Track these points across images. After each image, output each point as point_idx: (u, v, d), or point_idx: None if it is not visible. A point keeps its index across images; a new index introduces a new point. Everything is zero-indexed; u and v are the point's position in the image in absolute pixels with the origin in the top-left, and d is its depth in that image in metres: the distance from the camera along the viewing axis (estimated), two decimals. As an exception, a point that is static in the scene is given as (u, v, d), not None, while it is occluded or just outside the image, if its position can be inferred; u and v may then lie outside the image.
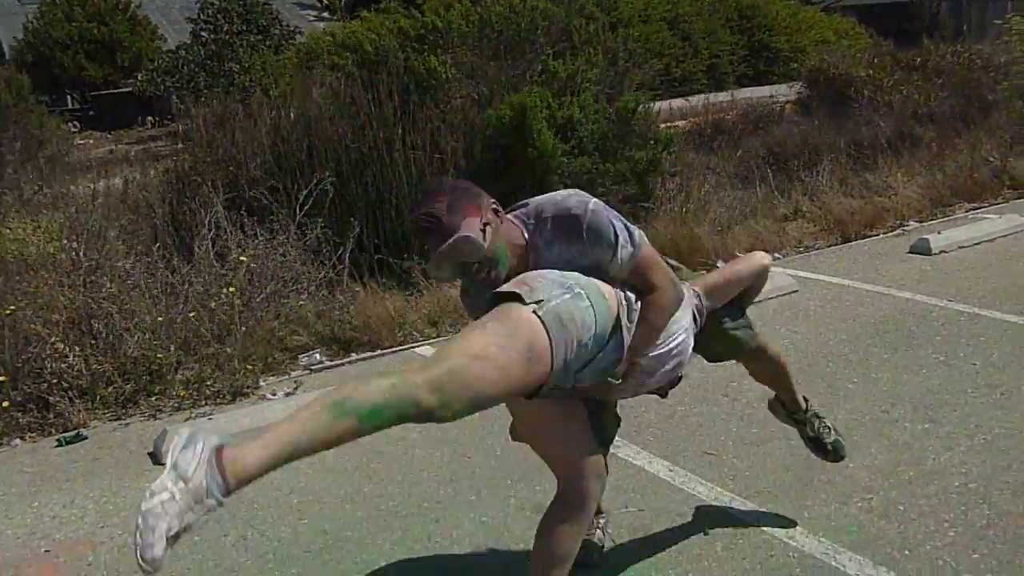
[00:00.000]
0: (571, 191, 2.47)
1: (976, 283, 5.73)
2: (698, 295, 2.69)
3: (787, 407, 3.12)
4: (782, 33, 22.15)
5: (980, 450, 3.56)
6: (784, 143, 11.66)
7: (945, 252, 6.47)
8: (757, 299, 3.00)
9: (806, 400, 3.12)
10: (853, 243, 7.12)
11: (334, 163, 6.93)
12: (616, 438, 2.84)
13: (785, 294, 5.71)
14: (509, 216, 2.45)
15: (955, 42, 16.21)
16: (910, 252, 6.58)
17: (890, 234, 7.43)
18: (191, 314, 4.96)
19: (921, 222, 7.86)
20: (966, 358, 4.47)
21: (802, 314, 5.41)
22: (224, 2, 21.17)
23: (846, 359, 4.62)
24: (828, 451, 3.13)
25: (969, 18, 27.34)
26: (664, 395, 2.75)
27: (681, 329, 2.54)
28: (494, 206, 2.41)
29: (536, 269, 2.34)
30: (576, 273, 2.30)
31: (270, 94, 7.89)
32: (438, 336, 5.53)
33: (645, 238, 2.40)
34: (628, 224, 2.38)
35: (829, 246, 7.21)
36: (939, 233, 6.74)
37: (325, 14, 30.75)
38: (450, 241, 2.26)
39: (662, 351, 2.48)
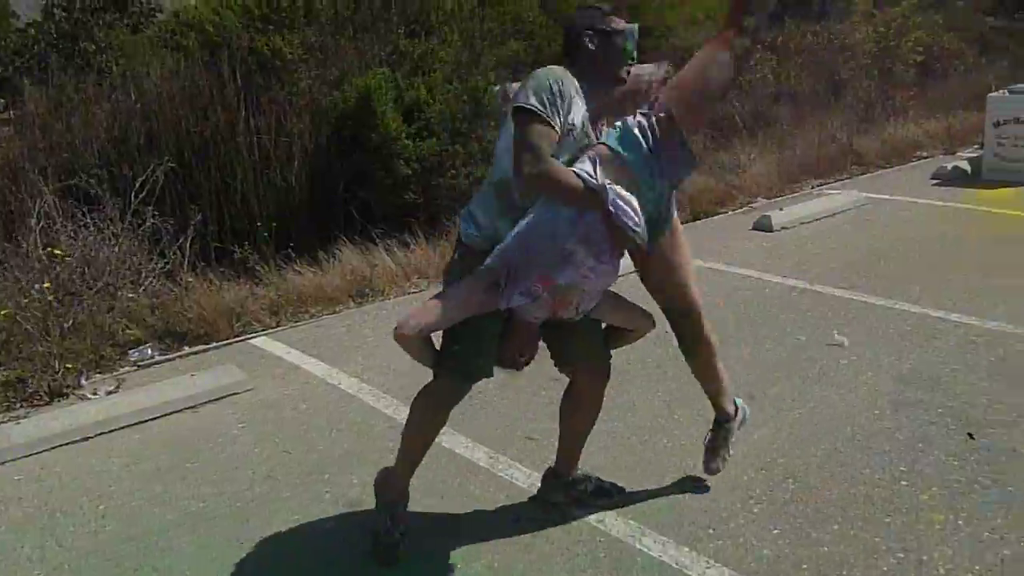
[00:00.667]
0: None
1: (812, 258, 5.90)
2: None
3: (561, 470, 3.22)
4: (650, 12, 22.42)
5: (793, 424, 3.65)
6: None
7: (786, 228, 6.65)
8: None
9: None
10: (700, 221, 7.24)
11: (175, 149, 6.64)
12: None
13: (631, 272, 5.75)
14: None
15: (819, 22, 16.77)
16: (753, 229, 6.73)
17: (739, 211, 7.60)
18: (2, 312, 4.66)
19: (769, 199, 8.07)
20: (792, 333, 4.59)
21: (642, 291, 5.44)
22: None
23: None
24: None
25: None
26: (520, 365, 2.80)
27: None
28: None
29: None
30: None
31: (109, 76, 7.48)
32: (278, 326, 5.37)
33: (539, 101, 2.51)
34: (535, 93, 2.52)
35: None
36: (781, 210, 6.92)
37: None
38: None
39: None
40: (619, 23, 2.74)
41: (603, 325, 2.96)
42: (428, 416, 2.88)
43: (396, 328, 2.57)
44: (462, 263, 2.73)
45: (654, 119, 2.60)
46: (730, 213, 7.56)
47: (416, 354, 2.71)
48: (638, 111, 2.66)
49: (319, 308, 5.68)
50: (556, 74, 2.57)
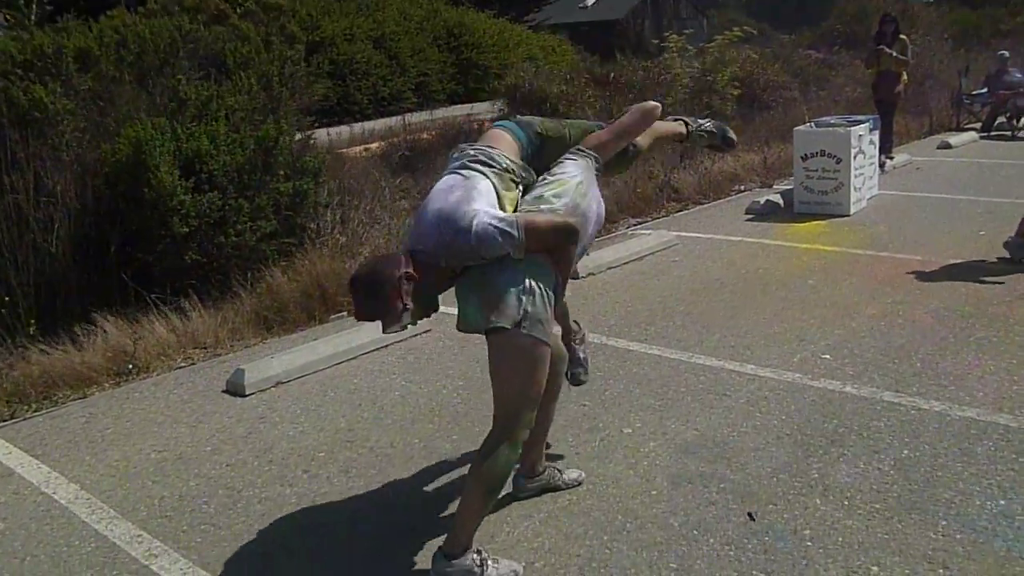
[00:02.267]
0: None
1: (612, 308, 5.60)
2: (595, 156, 3.22)
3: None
4: (490, 51, 22.38)
5: (562, 514, 3.25)
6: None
7: (593, 274, 6.36)
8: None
9: None
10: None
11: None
12: None
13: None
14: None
15: (648, 58, 17.00)
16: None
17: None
18: None
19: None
20: (576, 398, 4.21)
21: (424, 358, 5.02)
22: None
23: (462, 404, 4.25)
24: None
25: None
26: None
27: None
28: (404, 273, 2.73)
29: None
30: None
31: None
32: (12, 418, 4.65)
33: (518, 225, 2.70)
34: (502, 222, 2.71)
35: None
36: (587, 254, 6.62)
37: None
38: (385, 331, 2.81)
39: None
40: None
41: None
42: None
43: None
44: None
45: None
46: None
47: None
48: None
49: (67, 392, 5.00)
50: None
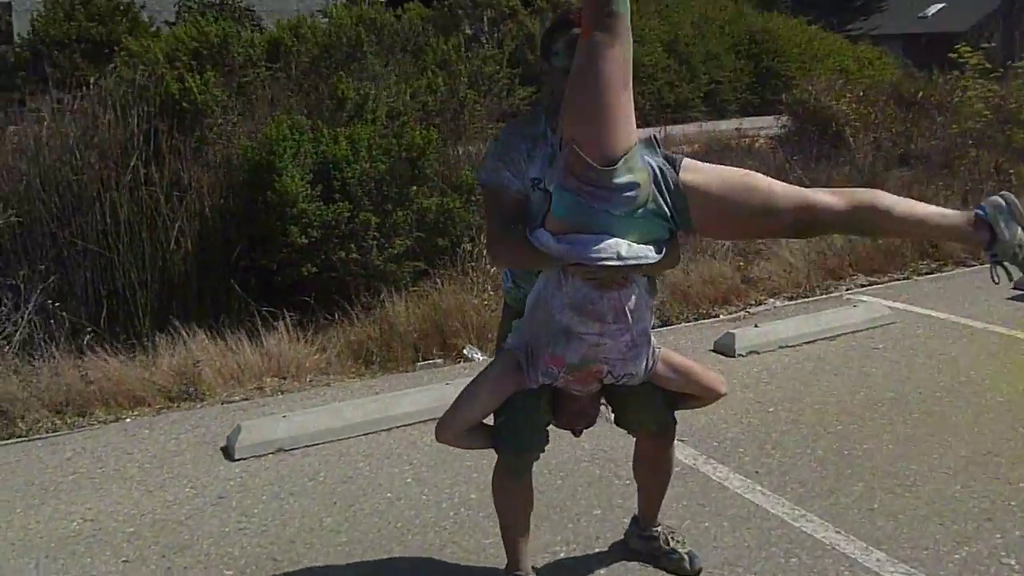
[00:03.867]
0: None
1: (744, 412, 4.23)
2: (656, 351, 2.52)
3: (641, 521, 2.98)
4: (793, 60, 20.42)
5: None
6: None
7: (755, 353, 4.97)
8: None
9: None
10: (663, 329, 5.63)
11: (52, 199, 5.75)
12: None
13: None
14: None
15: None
16: (713, 351, 5.08)
17: (735, 315, 5.94)
18: None
19: (794, 299, 6.35)
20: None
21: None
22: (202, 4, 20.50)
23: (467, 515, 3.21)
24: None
25: (1015, 52, 25.12)
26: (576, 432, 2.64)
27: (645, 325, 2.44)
28: None
29: None
30: None
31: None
32: (28, 433, 4.25)
33: (488, 173, 2.46)
34: (486, 161, 2.50)
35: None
36: (757, 326, 5.23)
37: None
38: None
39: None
40: (560, 44, 2.42)
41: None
42: (504, 496, 2.71)
43: (436, 434, 2.54)
44: (505, 319, 2.68)
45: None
46: (722, 317, 5.91)
47: (467, 446, 2.68)
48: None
49: (103, 412, 4.56)
50: (502, 135, 2.55)
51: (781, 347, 5.03)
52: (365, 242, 5.84)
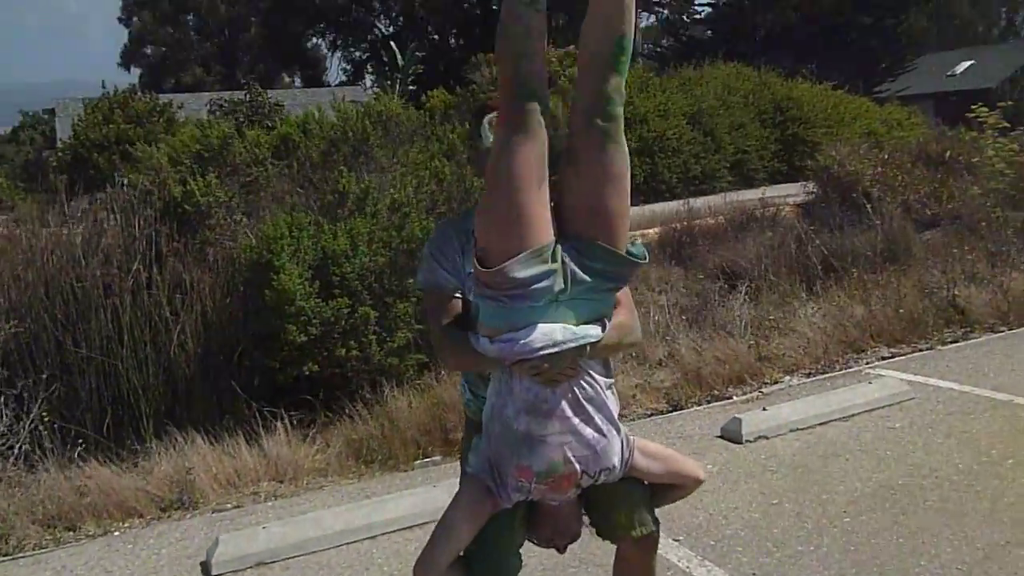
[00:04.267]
0: None
1: (745, 505, 4.01)
2: (630, 440, 2.35)
3: None
4: (820, 125, 20.32)
5: None
6: (739, 259, 10.05)
7: (764, 438, 4.76)
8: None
9: None
10: (673, 415, 5.44)
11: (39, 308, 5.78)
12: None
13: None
14: None
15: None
16: (720, 436, 4.88)
17: (748, 395, 5.73)
18: None
19: (810, 375, 6.13)
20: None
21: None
22: (232, 103, 21.09)
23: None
24: None
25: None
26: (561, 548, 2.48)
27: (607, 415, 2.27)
28: None
29: None
30: None
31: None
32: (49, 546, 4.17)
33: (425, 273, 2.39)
34: (421, 267, 2.42)
35: (648, 414, 5.54)
36: (764, 409, 5.02)
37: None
38: None
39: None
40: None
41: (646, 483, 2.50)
42: None
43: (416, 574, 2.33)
44: (467, 436, 2.55)
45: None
46: (735, 399, 5.70)
47: None
48: None
49: (90, 526, 4.47)
50: (436, 233, 2.50)
51: (791, 430, 4.82)
52: (365, 337, 5.76)
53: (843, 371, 6.13)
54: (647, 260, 2.20)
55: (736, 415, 4.91)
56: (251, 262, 5.91)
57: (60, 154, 26.25)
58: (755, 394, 5.75)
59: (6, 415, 5.31)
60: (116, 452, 5.43)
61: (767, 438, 4.75)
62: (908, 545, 3.48)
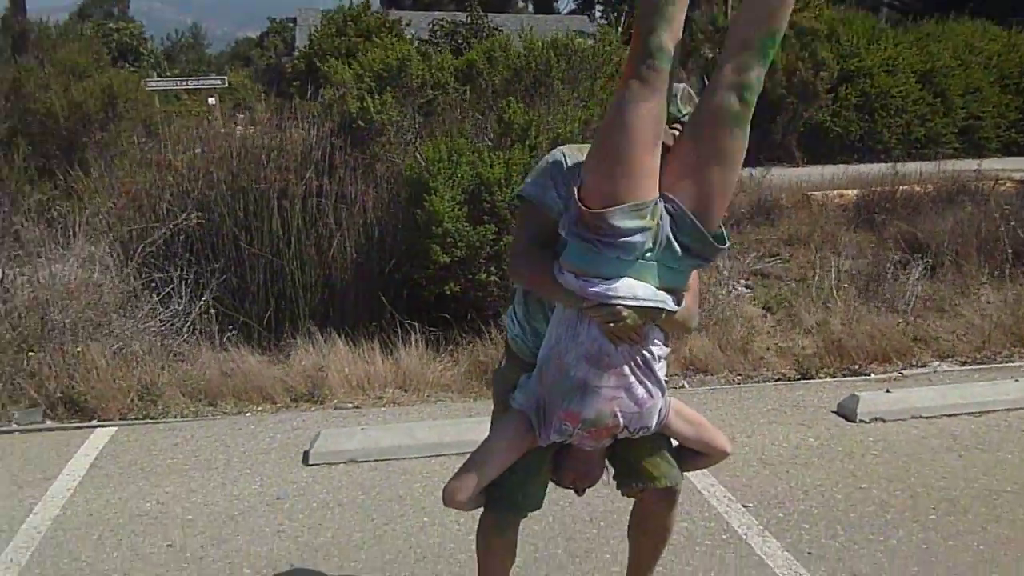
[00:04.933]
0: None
1: (833, 487, 3.90)
2: (669, 402, 2.45)
3: None
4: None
5: None
6: (932, 233, 9.43)
7: (881, 421, 4.57)
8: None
9: None
10: (797, 383, 5.30)
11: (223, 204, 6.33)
12: None
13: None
14: None
15: None
16: (835, 412, 4.73)
17: (888, 375, 5.48)
18: None
19: (969, 364, 5.78)
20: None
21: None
22: (452, 24, 21.65)
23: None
24: None
25: None
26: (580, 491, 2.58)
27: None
28: None
29: None
30: None
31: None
32: (147, 418, 4.71)
33: (535, 187, 2.40)
34: (530, 179, 2.45)
35: (774, 379, 5.41)
36: (889, 391, 4.80)
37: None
38: None
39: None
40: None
41: (675, 443, 2.62)
42: (486, 551, 2.64)
43: (445, 499, 2.42)
44: (508, 371, 2.57)
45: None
46: (872, 377, 5.47)
47: (471, 508, 2.53)
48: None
49: (226, 404, 4.96)
50: (556, 154, 2.47)
51: (913, 417, 4.59)
52: (507, 264, 5.94)
53: (1002, 364, 5.72)
54: (727, 246, 2.23)
55: (855, 393, 4.73)
56: (411, 181, 6.18)
57: (296, 61, 27.92)
58: (895, 375, 5.49)
59: (184, 295, 5.91)
60: (275, 343, 5.95)
61: (884, 421, 4.57)
62: (986, 554, 3.30)
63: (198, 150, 6.76)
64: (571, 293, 2.20)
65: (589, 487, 2.56)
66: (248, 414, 4.85)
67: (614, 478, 2.64)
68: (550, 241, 2.30)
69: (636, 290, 2.15)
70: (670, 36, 2.13)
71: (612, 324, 2.19)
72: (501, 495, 2.51)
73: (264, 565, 3.20)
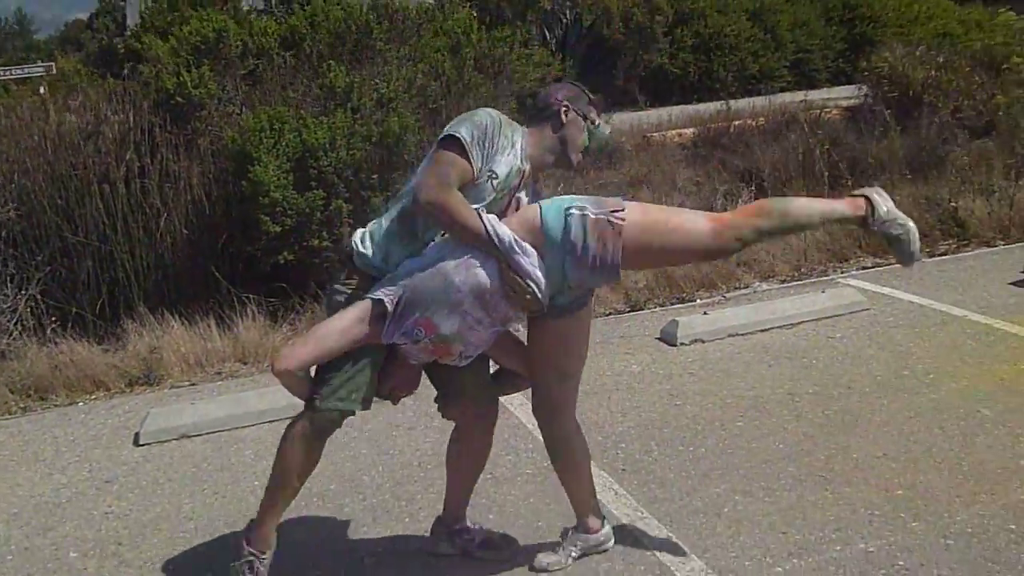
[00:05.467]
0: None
1: (652, 406, 4.13)
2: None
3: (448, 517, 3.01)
4: (890, 25, 19.37)
5: None
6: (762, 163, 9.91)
7: (700, 342, 4.84)
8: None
9: None
10: (626, 315, 5.54)
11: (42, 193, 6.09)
12: None
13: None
14: None
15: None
16: (659, 338, 4.98)
17: (707, 300, 5.77)
18: None
19: (786, 282, 6.14)
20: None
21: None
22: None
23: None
24: None
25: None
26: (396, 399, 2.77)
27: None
28: None
29: None
30: None
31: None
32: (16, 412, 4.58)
33: (468, 135, 2.49)
34: (468, 126, 2.52)
35: (606, 314, 5.63)
36: (706, 313, 5.08)
37: None
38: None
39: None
40: (595, 115, 2.76)
41: (493, 365, 2.82)
42: (297, 456, 2.63)
43: (274, 363, 2.50)
44: (352, 285, 2.60)
45: (607, 227, 2.50)
46: (698, 302, 5.75)
47: (295, 388, 2.59)
48: (591, 207, 2.54)
49: (55, 397, 4.84)
50: (496, 119, 2.57)
51: (729, 335, 4.88)
52: (339, 229, 5.95)
53: (817, 280, 6.11)
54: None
55: (675, 318, 4.98)
56: (234, 153, 6.10)
57: (128, 41, 26.71)
58: (719, 298, 5.79)
59: (7, 293, 5.70)
60: (110, 331, 5.80)
61: (703, 342, 4.84)
62: (784, 451, 3.57)
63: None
64: (485, 245, 2.43)
65: (405, 396, 2.73)
66: (80, 404, 4.75)
67: (435, 400, 2.83)
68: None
69: (543, 283, 2.49)
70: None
71: (515, 293, 2.47)
72: (337, 390, 2.55)
73: (91, 547, 3.18)
